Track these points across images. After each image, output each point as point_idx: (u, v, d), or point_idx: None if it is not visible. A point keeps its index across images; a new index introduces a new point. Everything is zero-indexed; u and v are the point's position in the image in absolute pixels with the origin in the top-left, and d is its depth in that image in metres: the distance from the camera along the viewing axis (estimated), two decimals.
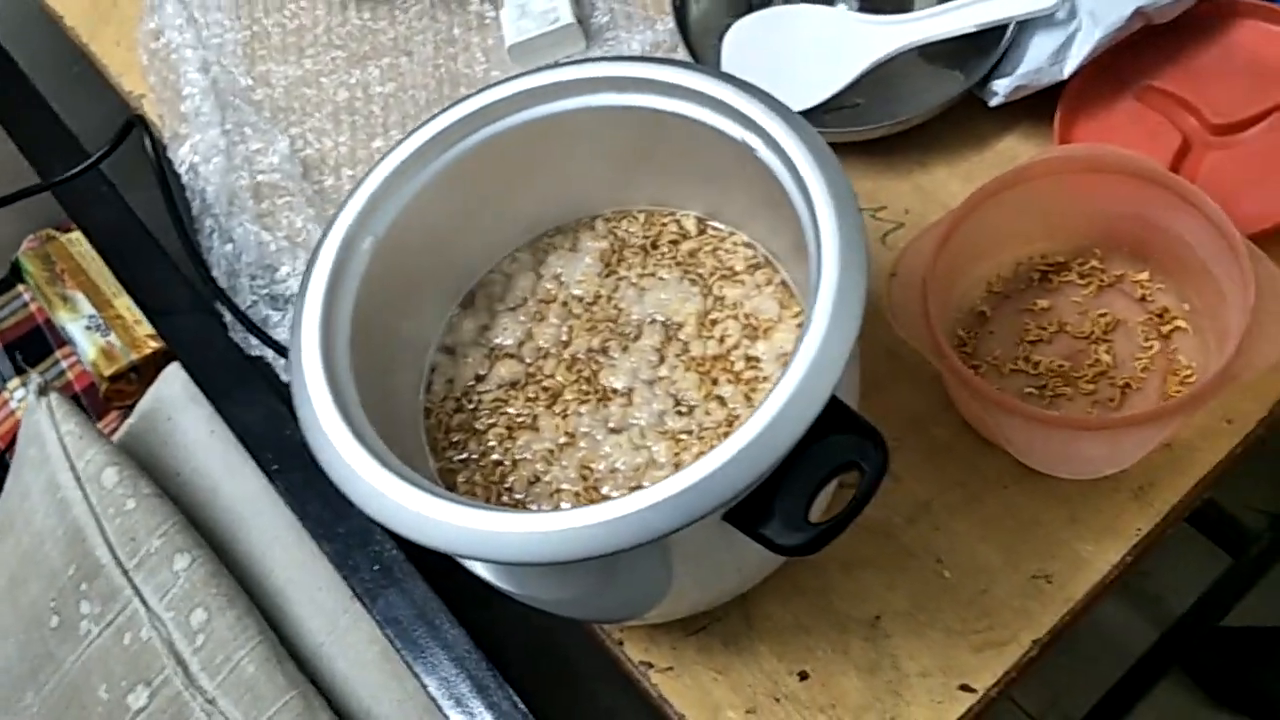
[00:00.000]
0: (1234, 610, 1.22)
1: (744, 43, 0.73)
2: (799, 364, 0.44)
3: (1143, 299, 0.63)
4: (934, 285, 0.58)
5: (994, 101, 0.69)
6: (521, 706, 0.59)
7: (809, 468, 0.45)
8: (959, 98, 0.70)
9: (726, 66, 0.73)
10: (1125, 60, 0.69)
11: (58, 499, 0.71)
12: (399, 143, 0.55)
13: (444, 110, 0.56)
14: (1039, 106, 0.70)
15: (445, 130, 0.55)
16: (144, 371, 0.94)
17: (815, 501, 0.45)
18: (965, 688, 0.55)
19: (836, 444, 0.45)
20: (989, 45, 0.70)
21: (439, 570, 0.65)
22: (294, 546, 0.72)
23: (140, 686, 0.67)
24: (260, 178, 0.78)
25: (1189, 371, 0.60)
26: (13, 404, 0.99)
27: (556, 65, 0.56)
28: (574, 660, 0.64)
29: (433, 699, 0.61)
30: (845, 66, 0.70)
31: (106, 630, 0.68)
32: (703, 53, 0.75)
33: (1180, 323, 0.61)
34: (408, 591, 0.64)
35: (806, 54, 0.72)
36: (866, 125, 0.70)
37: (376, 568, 0.65)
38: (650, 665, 0.59)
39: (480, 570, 0.52)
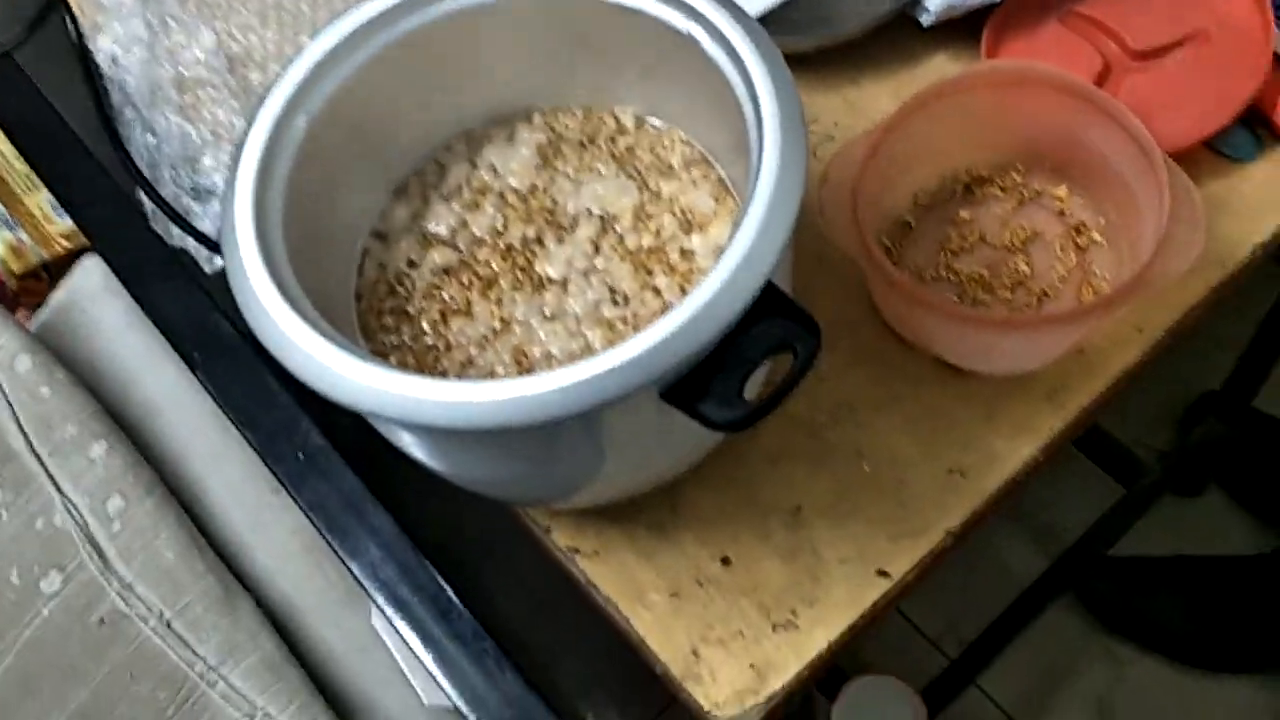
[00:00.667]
0: (1122, 540, 1.28)
1: None
2: (738, 245, 0.45)
3: (1061, 213, 0.65)
4: (863, 192, 0.60)
5: (926, 20, 0.71)
6: (447, 589, 0.60)
7: (745, 348, 0.46)
8: (891, 15, 0.71)
9: None
10: None
11: None
12: (334, 22, 0.54)
13: None
14: (967, 27, 0.72)
15: (381, 14, 0.55)
16: (55, 270, 0.91)
17: (749, 382, 0.46)
18: (882, 573, 0.57)
19: (771, 327, 0.46)
20: None
21: (364, 459, 0.65)
22: (215, 439, 0.72)
23: (53, 571, 0.66)
24: (184, 70, 0.76)
25: (1103, 282, 0.62)
26: None
27: None
28: (500, 546, 0.65)
29: (359, 582, 0.61)
30: None
31: (18, 515, 0.67)
32: None
33: (1096, 236, 0.64)
34: (333, 480, 0.64)
35: None
36: (800, 37, 0.71)
37: (301, 456, 0.65)
38: (577, 550, 0.60)
39: (412, 448, 0.52)
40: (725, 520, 0.60)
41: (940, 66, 0.73)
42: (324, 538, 0.63)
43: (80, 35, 0.76)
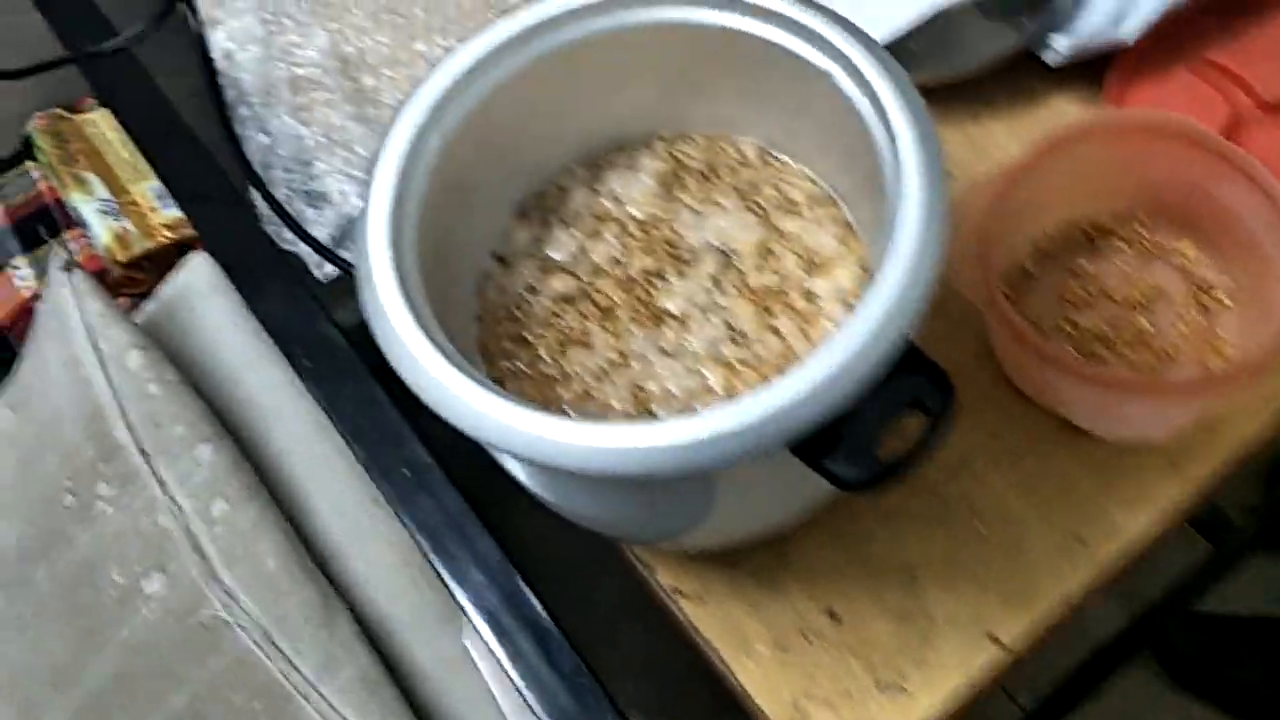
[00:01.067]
0: (1206, 598, 1.25)
1: None
2: (880, 298, 0.44)
3: (1186, 269, 0.63)
4: (989, 237, 0.59)
5: (1053, 60, 0.69)
6: (553, 624, 0.60)
7: (878, 404, 0.45)
8: (1016, 53, 0.69)
9: None
10: (1183, 30, 0.70)
11: (79, 376, 0.70)
12: (468, 41, 0.54)
13: (513, 14, 0.55)
14: (1091, 68, 0.70)
15: (514, 37, 0.54)
16: (157, 261, 0.93)
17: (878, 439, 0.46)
18: (994, 639, 0.56)
19: (905, 383, 0.46)
20: (1048, 1, 0.70)
21: (470, 478, 0.65)
22: (317, 445, 0.72)
23: (155, 572, 0.67)
24: (298, 71, 0.77)
25: (1229, 347, 0.61)
26: (17, 282, 0.97)
27: None
28: (603, 581, 0.64)
29: (461, 608, 0.61)
30: (902, 11, 0.70)
31: (123, 513, 0.68)
32: None
33: (1223, 297, 0.62)
34: (439, 498, 0.64)
35: None
36: (922, 73, 0.70)
37: (408, 473, 0.65)
38: (680, 592, 0.59)
39: (520, 476, 0.52)
40: (835, 574, 0.59)
41: (1061, 108, 0.71)
42: (426, 557, 0.63)
43: (200, 30, 0.77)
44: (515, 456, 0.45)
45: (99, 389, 0.69)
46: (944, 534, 0.59)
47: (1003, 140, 0.71)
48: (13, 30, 0.85)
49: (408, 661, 0.69)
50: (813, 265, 0.56)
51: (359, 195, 0.71)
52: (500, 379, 0.56)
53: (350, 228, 0.71)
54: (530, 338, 0.56)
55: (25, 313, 0.95)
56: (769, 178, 0.59)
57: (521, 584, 0.61)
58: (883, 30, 0.70)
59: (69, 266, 0.72)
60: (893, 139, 0.49)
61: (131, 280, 0.93)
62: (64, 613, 0.68)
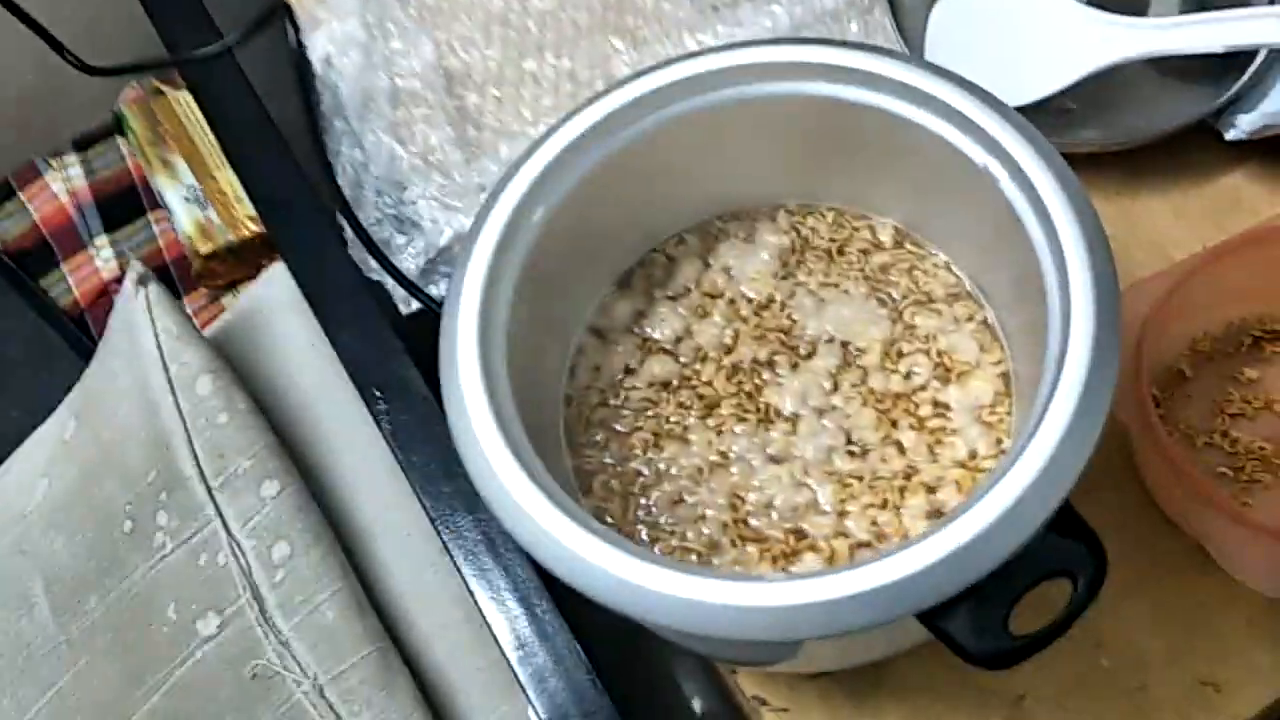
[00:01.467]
0: None
1: (955, 21, 0.66)
2: (1037, 454, 0.39)
3: None
4: (1148, 338, 0.52)
5: (1232, 135, 0.62)
6: None
7: (1019, 573, 0.40)
8: (1190, 123, 0.62)
9: (931, 44, 0.66)
10: None
11: (146, 399, 0.66)
12: (578, 111, 0.49)
13: (630, 80, 0.49)
14: (1268, 145, 0.63)
15: (630, 103, 0.49)
16: (240, 254, 0.89)
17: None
18: None
19: (1053, 549, 0.40)
20: (1232, 70, 0.62)
21: None
22: (386, 484, 0.68)
23: (211, 613, 0.63)
24: (399, 82, 0.72)
25: None
26: (98, 263, 0.94)
27: (759, 43, 0.49)
28: (678, 679, 0.60)
29: (524, 689, 0.57)
30: (1067, 66, 0.63)
31: (182, 547, 0.65)
32: (904, 18, 0.67)
33: None
34: (510, 570, 0.59)
35: (1023, 45, 0.64)
36: (1081, 136, 0.63)
37: (480, 537, 0.60)
38: (764, 702, 0.54)
39: None
40: (936, 699, 0.53)
41: (1235, 187, 0.64)
42: (491, 632, 0.59)
43: (298, 34, 0.72)
44: (620, 611, 0.40)
45: (166, 415, 0.65)
46: (1062, 664, 0.54)
47: (1161, 216, 0.63)
48: (102, 18, 0.81)
49: None
50: (947, 371, 0.50)
51: (449, 224, 0.66)
52: (586, 470, 0.51)
53: (440, 259, 0.67)
54: (622, 427, 0.51)
55: (104, 295, 0.92)
56: (904, 264, 0.52)
57: (591, 680, 0.57)
58: (1041, 88, 0.63)
59: (143, 280, 0.68)
60: (1058, 250, 0.43)
61: (212, 271, 0.90)
62: (114, 646, 0.65)
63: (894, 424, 0.49)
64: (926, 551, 0.38)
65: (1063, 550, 0.40)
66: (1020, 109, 0.62)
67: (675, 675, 0.61)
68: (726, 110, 0.49)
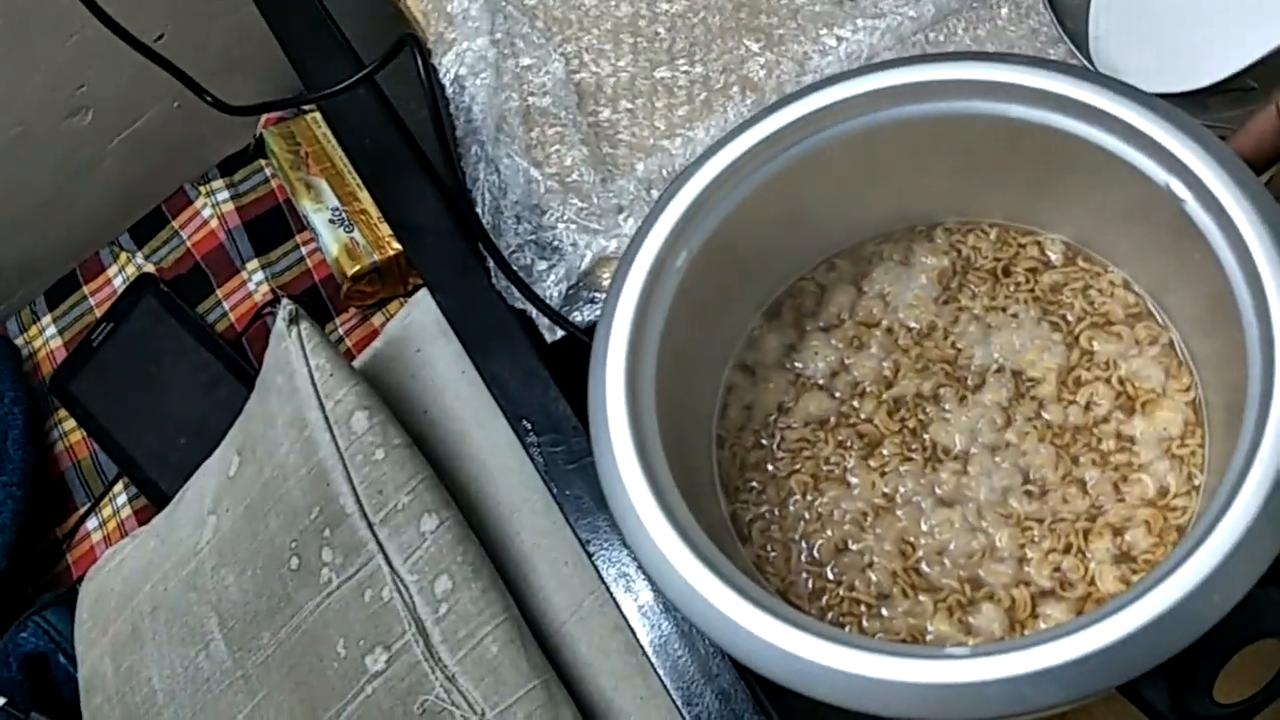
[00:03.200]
0: None
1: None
2: (1249, 500, 0.35)
3: None
4: None
5: None
6: None
7: (1227, 633, 0.36)
8: None
9: (1095, 24, 0.61)
10: None
11: (304, 437, 0.67)
12: (720, 145, 0.47)
13: (774, 109, 0.47)
14: None
15: (780, 131, 0.46)
16: (385, 273, 0.90)
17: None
18: None
19: (1264, 605, 0.37)
20: None
21: None
22: (542, 512, 0.68)
23: (379, 649, 0.64)
24: (531, 100, 0.70)
25: None
26: (250, 286, 0.96)
27: (916, 61, 0.46)
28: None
29: None
30: (1249, 42, 0.57)
31: (347, 583, 0.66)
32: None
33: None
34: (671, 609, 0.58)
35: (1201, 20, 0.59)
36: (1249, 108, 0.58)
37: (641, 574, 0.59)
38: None
39: None
40: None
41: None
42: (655, 671, 0.58)
43: (428, 66, 0.71)
44: (782, 684, 0.39)
45: (325, 452, 0.66)
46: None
47: None
48: (239, 54, 0.82)
49: None
50: (1130, 401, 0.46)
51: (589, 247, 0.65)
52: (744, 518, 0.49)
53: (582, 283, 0.65)
54: (779, 471, 0.49)
55: (258, 319, 0.94)
56: (1077, 284, 0.49)
57: (756, 717, 0.55)
58: (1221, 68, 0.58)
59: (294, 318, 0.69)
60: (1254, 275, 0.39)
61: (360, 293, 0.91)
62: (289, 680, 0.67)
63: (1074, 460, 0.46)
64: (1126, 620, 0.35)
65: (1274, 608, 0.37)
66: (1197, 91, 0.58)
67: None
68: (882, 131, 0.47)
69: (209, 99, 0.73)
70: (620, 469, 0.42)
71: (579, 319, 0.65)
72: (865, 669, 0.36)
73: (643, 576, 0.59)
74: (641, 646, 0.58)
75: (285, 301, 0.69)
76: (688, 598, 0.39)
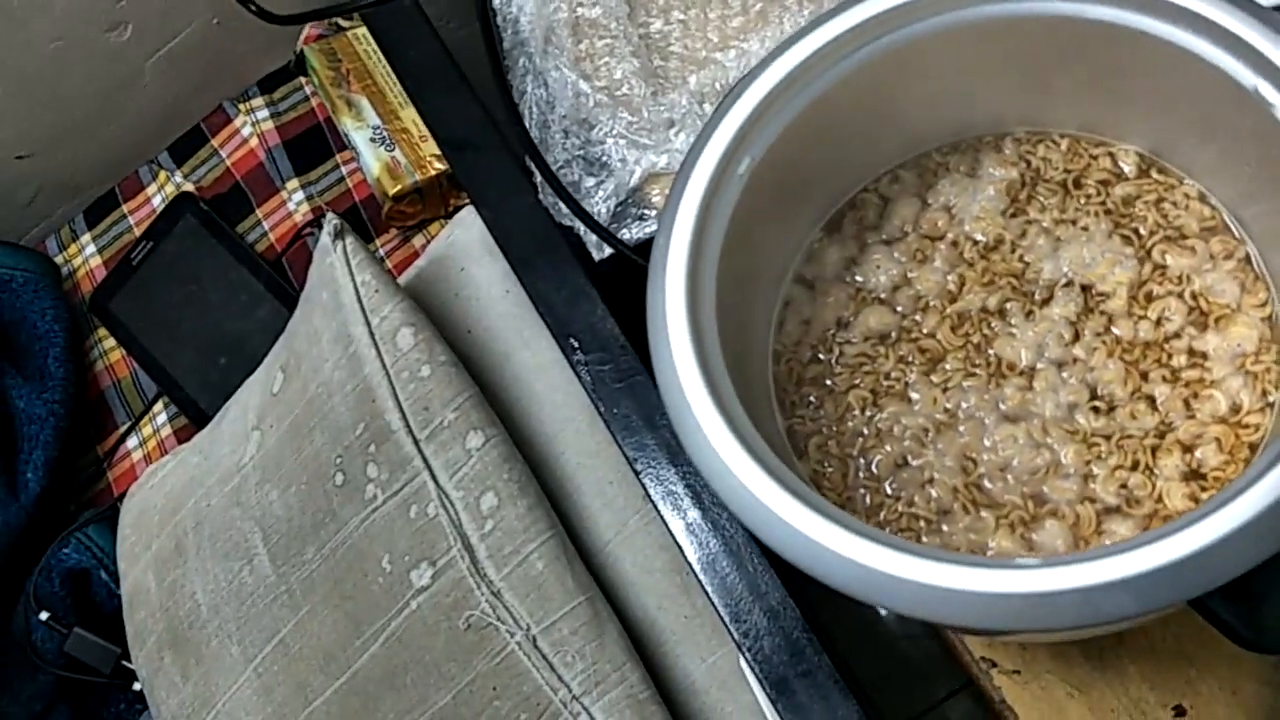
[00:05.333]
0: None
1: None
2: None
3: None
4: None
5: None
6: (840, 686, 0.53)
7: None
8: None
9: None
10: None
11: (349, 353, 0.67)
12: (780, 50, 0.45)
13: (836, 13, 0.45)
14: None
15: (841, 35, 0.45)
16: (427, 194, 0.88)
17: None
18: None
19: None
20: None
21: None
22: (587, 432, 0.67)
23: (424, 564, 0.64)
24: (580, 11, 0.69)
25: None
26: (290, 206, 0.95)
27: None
28: (898, 636, 0.57)
29: (739, 646, 0.56)
30: None
31: (392, 499, 0.65)
32: None
33: None
34: (718, 524, 0.58)
35: None
36: None
37: (686, 490, 0.59)
38: (994, 664, 0.51)
39: None
40: (1183, 660, 0.50)
41: None
42: (702, 586, 0.57)
43: None
44: (849, 594, 0.38)
45: (371, 369, 0.66)
46: None
47: None
48: None
49: (677, 675, 0.64)
50: (1203, 316, 0.45)
51: (639, 163, 0.64)
52: (799, 431, 0.48)
53: (631, 200, 0.64)
54: (837, 385, 0.48)
55: (298, 240, 0.94)
56: (1150, 196, 0.47)
57: (808, 638, 0.55)
58: None
59: (340, 233, 0.68)
60: None
61: (401, 213, 0.90)
62: (333, 595, 0.67)
63: (1144, 376, 0.45)
64: (1200, 534, 0.34)
65: None
66: None
67: (895, 633, 0.58)
68: (947, 35, 0.45)
69: (253, 8, 0.72)
70: (681, 378, 0.41)
71: (627, 236, 0.64)
72: (938, 579, 0.36)
73: (689, 494, 0.59)
74: (689, 564, 0.58)
75: (330, 216, 0.69)
76: (753, 508, 0.39)
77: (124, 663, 0.84)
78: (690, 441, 0.41)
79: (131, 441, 0.93)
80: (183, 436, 0.91)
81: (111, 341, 0.96)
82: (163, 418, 0.93)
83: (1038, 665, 0.51)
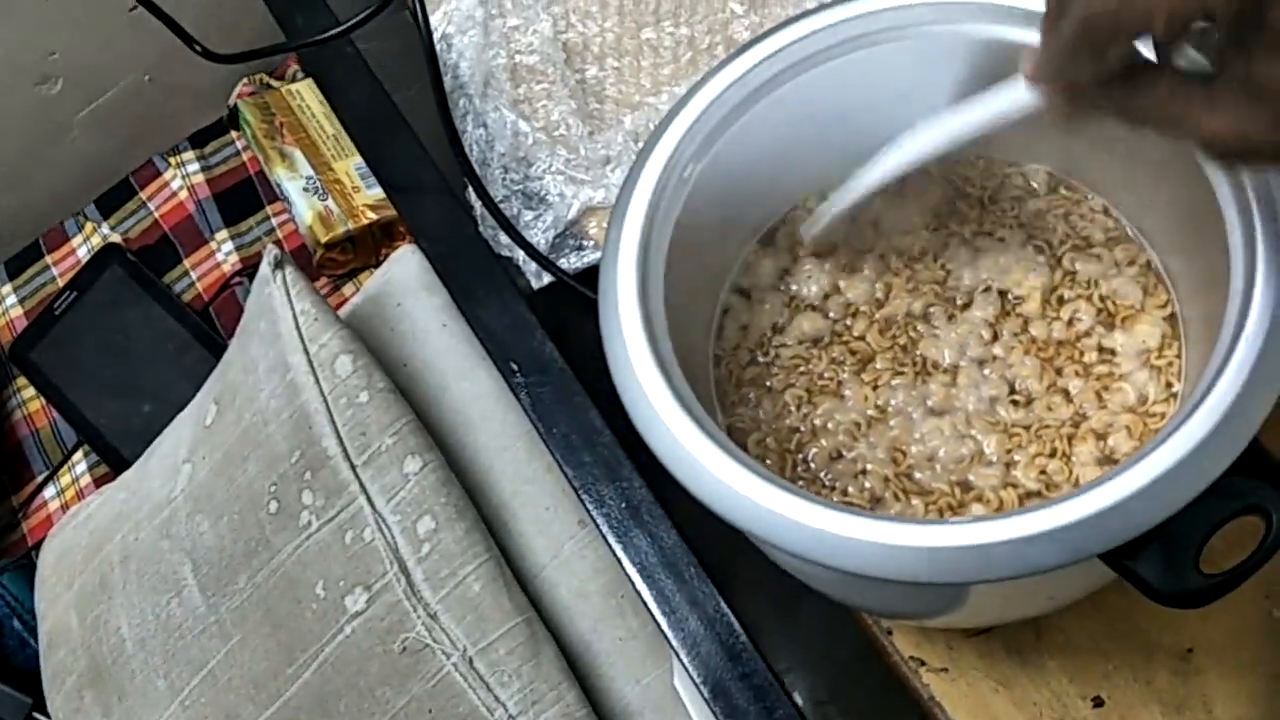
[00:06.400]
0: None
1: None
2: (1225, 390, 0.37)
3: None
4: None
5: None
6: (778, 687, 0.55)
7: (1207, 509, 0.38)
8: None
9: None
10: None
11: (287, 380, 0.68)
12: (732, 58, 0.49)
13: (777, 30, 0.49)
14: None
15: (784, 49, 0.48)
16: (359, 242, 0.90)
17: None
18: None
19: (1240, 487, 0.39)
20: None
21: (688, 514, 0.60)
22: (523, 459, 0.68)
23: (359, 589, 0.64)
24: (518, 58, 0.72)
25: None
26: (219, 256, 0.96)
27: None
28: (833, 641, 0.59)
29: (677, 654, 0.57)
30: None
31: (327, 525, 0.66)
32: None
33: None
34: (656, 537, 0.59)
35: None
36: None
37: (624, 505, 0.60)
38: (922, 663, 0.53)
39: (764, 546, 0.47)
40: (1099, 654, 0.52)
41: None
42: (640, 598, 0.58)
43: (425, 17, 0.73)
44: (794, 555, 0.40)
45: (308, 395, 0.66)
46: (1228, 615, 0.52)
47: None
48: (221, 7, 0.82)
49: (612, 697, 0.65)
50: (1110, 316, 0.49)
51: (576, 197, 0.66)
52: (739, 429, 0.50)
53: (568, 232, 0.67)
54: (773, 385, 0.51)
55: (226, 289, 0.94)
56: (1059, 210, 0.51)
57: (744, 638, 0.56)
58: None
59: (279, 263, 0.69)
60: (1239, 183, 0.41)
61: (333, 261, 0.91)
62: (265, 623, 0.66)
63: (1059, 372, 0.48)
64: (1117, 488, 0.37)
65: (1251, 489, 0.39)
66: None
67: (826, 637, 0.60)
68: (874, 56, 0.49)
69: (198, 48, 0.73)
70: (630, 350, 0.43)
71: (565, 265, 0.67)
72: (884, 537, 0.38)
73: (628, 510, 0.60)
74: (628, 575, 0.59)
75: (270, 247, 0.70)
76: (719, 491, 0.40)
77: (35, 715, 0.82)
78: (650, 427, 0.42)
79: (49, 491, 0.92)
80: (102, 485, 0.90)
81: (30, 391, 0.95)
82: (82, 466, 0.92)
83: (964, 662, 0.53)
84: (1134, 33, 0.36)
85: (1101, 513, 0.37)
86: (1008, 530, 0.37)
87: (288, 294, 0.68)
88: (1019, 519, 0.37)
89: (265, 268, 0.69)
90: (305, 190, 0.91)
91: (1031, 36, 0.45)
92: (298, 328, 0.67)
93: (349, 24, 0.69)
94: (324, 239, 0.89)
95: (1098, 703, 0.51)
